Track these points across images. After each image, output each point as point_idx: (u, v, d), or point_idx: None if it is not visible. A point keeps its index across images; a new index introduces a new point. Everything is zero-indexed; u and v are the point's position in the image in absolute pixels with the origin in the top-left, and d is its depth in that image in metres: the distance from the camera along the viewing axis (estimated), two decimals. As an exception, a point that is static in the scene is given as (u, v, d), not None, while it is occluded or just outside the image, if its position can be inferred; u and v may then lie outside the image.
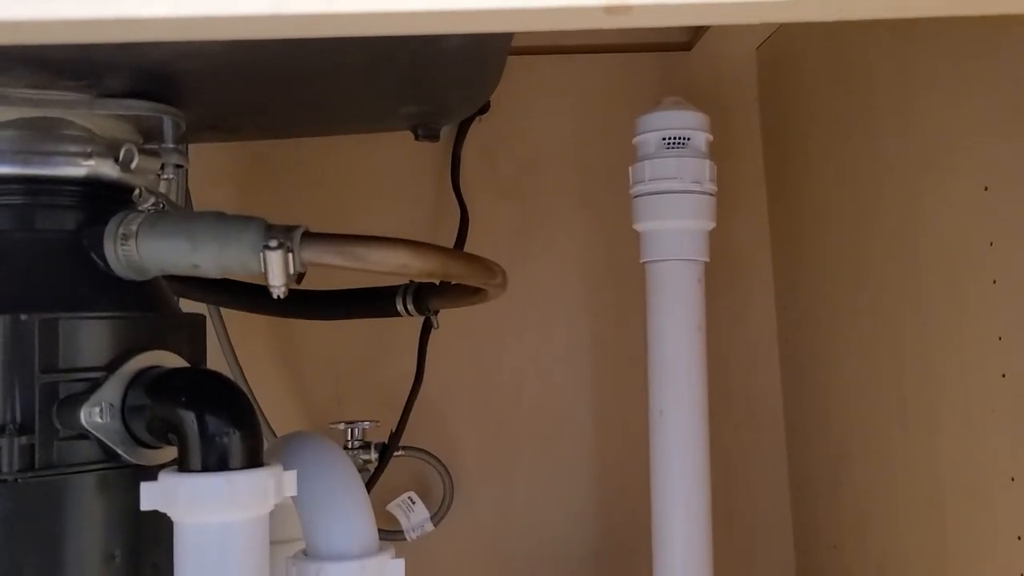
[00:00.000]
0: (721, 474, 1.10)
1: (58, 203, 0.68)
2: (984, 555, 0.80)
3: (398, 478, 1.21)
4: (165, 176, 0.71)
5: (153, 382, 0.65)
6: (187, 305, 0.98)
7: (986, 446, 0.79)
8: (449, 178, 1.24)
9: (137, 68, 0.64)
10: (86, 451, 0.63)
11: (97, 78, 0.65)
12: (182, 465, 0.60)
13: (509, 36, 0.75)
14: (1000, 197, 0.75)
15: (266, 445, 0.64)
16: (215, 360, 1.10)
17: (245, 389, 1.13)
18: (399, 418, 1.16)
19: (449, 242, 1.20)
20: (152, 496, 0.60)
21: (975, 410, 0.80)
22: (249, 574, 0.60)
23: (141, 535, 0.65)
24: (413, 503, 1.21)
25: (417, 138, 0.91)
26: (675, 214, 1.03)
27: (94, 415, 0.62)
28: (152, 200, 0.70)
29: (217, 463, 0.60)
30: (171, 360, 0.68)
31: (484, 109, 1.22)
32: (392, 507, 1.21)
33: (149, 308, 0.70)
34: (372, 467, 1.15)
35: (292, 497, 0.66)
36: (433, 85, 0.81)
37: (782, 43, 1.21)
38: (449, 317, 1.06)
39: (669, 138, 1.03)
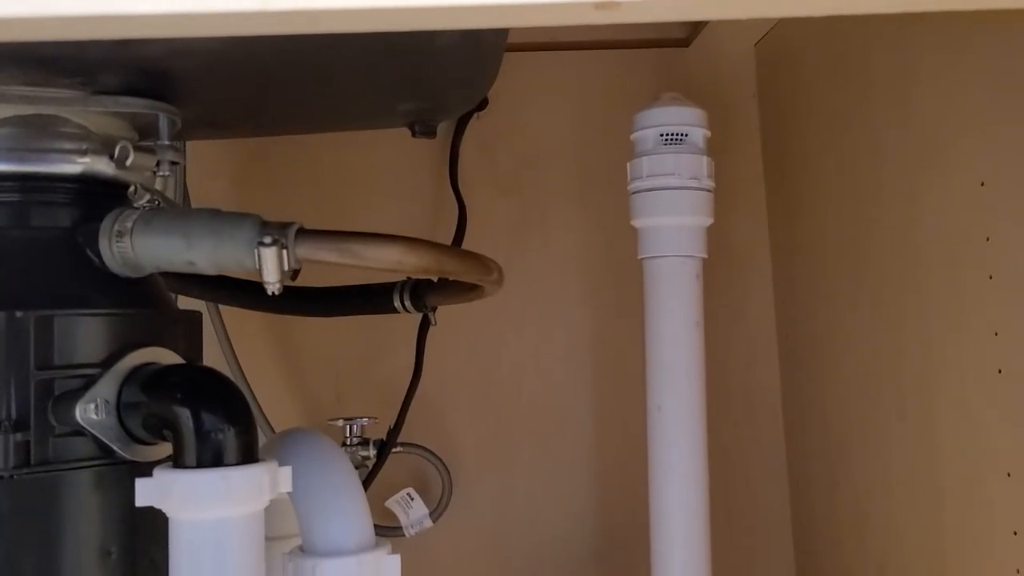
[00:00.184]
0: (720, 470, 1.10)
1: (53, 200, 0.68)
2: (982, 550, 0.80)
3: (397, 474, 1.21)
4: (161, 173, 0.71)
5: (148, 379, 0.65)
6: (185, 302, 0.98)
7: (983, 442, 0.79)
8: (447, 174, 1.24)
9: (132, 65, 0.64)
10: (82, 447, 0.63)
11: (92, 75, 0.65)
12: (177, 461, 0.60)
13: (505, 32, 0.75)
14: (996, 192, 0.75)
15: (263, 441, 0.65)
16: (214, 357, 1.10)
17: (244, 386, 1.13)
18: (397, 414, 1.16)
19: (448, 239, 1.20)
20: (147, 492, 0.60)
21: (972, 406, 0.80)
22: (244, 569, 0.60)
23: (137, 531, 0.65)
24: (412, 499, 1.21)
25: (414, 134, 0.91)
26: (673, 210, 1.03)
27: (89, 411, 0.62)
28: (147, 197, 0.70)
29: (212, 459, 0.60)
30: (167, 357, 0.68)
31: (482, 105, 1.22)
32: (391, 503, 1.21)
33: (145, 305, 0.70)
34: (371, 463, 1.15)
35: (288, 493, 0.66)
36: (430, 81, 0.81)
37: (780, 39, 1.21)
38: (448, 313, 1.06)
39: (667, 134, 1.03)
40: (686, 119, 1.03)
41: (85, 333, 0.64)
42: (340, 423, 1.16)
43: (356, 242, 0.64)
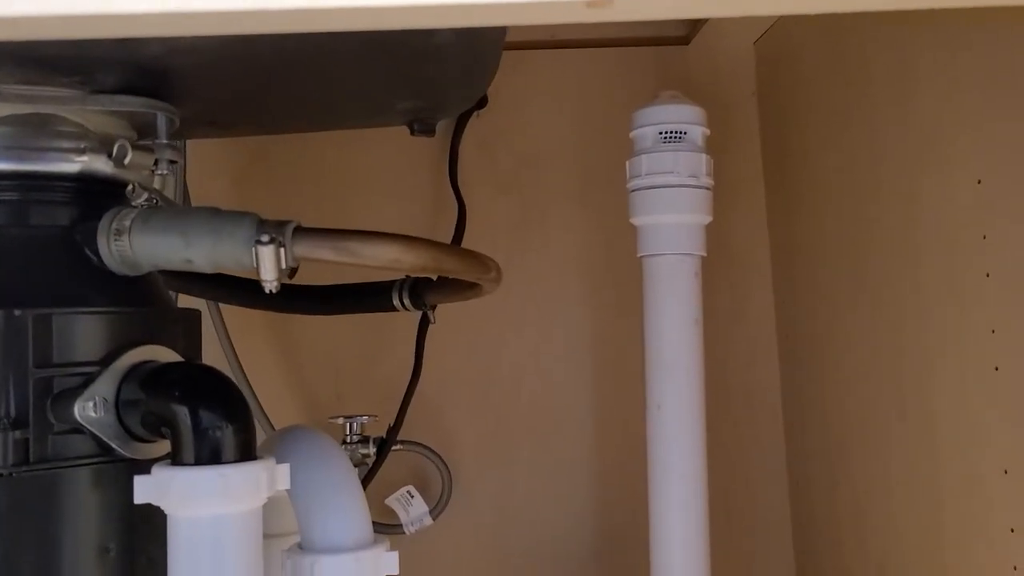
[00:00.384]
0: (720, 469, 1.10)
1: (52, 199, 0.68)
2: (980, 547, 0.80)
3: (397, 472, 1.22)
4: (159, 172, 0.72)
5: (147, 376, 0.65)
6: (185, 301, 0.99)
7: (980, 439, 0.79)
8: (447, 173, 1.24)
9: (130, 64, 0.64)
10: (80, 445, 0.63)
11: (90, 74, 0.65)
12: (175, 459, 0.61)
13: (503, 30, 0.75)
14: (993, 190, 0.75)
15: (262, 439, 0.65)
16: (214, 355, 1.10)
17: (244, 384, 1.14)
18: (397, 412, 1.16)
19: (447, 237, 1.20)
20: (145, 489, 0.60)
21: (970, 403, 0.80)
22: (242, 566, 0.60)
23: (136, 528, 0.66)
24: (412, 497, 1.21)
25: (413, 133, 0.91)
26: (672, 208, 1.03)
27: (88, 409, 0.62)
28: (145, 196, 0.70)
29: (210, 456, 0.60)
30: (165, 355, 0.68)
31: (482, 104, 1.23)
32: (391, 501, 1.21)
33: (143, 303, 0.70)
34: (370, 461, 1.15)
35: (287, 491, 0.66)
36: (429, 80, 0.81)
37: (780, 37, 1.21)
38: (448, 312, 1.06)
39: (666, 132, 1.03)
40: (685, 117, 1.03)
41: (84, 331, 0.65)
42: (340, 421, 1.16)
43: (354, 240, 0.64)
